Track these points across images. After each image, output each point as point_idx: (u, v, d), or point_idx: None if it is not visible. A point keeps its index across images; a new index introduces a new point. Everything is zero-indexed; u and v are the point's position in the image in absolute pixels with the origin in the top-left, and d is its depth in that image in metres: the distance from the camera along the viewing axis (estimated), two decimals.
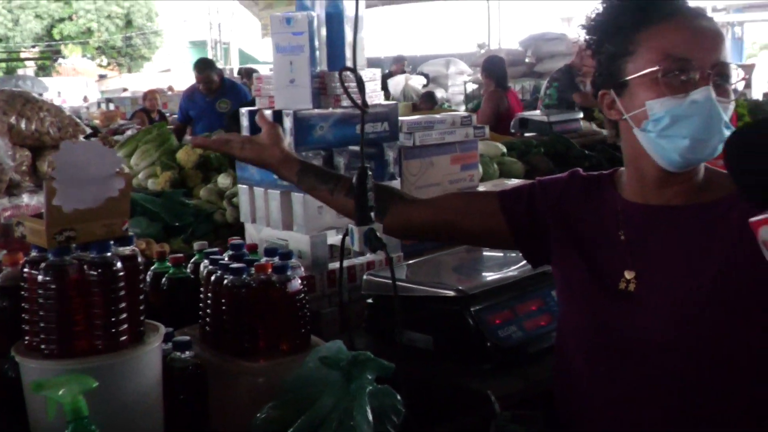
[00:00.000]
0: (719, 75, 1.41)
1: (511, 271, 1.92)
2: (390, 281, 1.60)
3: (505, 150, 4.62)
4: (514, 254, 2.05)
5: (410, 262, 2.27)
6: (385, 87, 14.21)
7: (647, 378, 1.45)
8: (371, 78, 2.30)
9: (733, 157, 1.15)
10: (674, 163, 1.42)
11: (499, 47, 15.33)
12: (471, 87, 13.18)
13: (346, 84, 1.74)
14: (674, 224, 1.47)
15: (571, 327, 1.58)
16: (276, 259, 1.60)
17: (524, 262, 1.80)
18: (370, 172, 1.61)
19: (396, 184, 2.37)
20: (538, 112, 6.52)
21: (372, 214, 1.60)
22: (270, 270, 1.55)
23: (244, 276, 1.54)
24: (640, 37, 1.45)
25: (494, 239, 1.74)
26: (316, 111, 2.18)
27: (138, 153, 4.03)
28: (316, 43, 2.19)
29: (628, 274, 1.49)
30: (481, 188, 2.84)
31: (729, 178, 1.43)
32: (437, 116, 2.62)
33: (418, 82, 12.89)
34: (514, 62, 10.45)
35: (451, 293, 1.79)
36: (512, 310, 1.81)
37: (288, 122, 2.14)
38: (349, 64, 2.10)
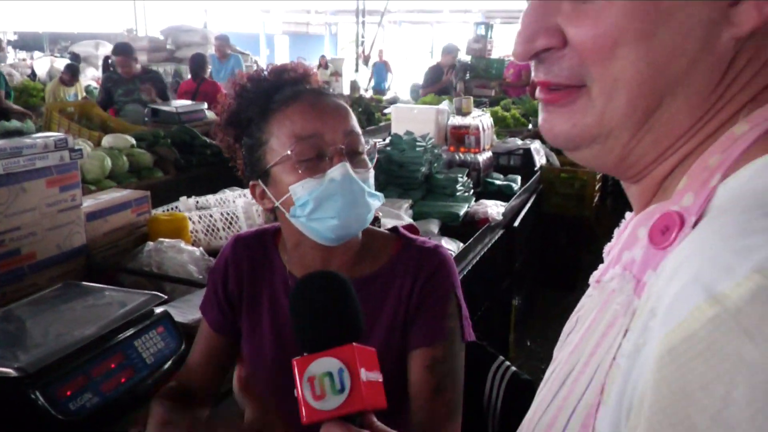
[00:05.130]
0: (351, 148, 1.32)
1: (86, 328, 1.53)
2: None
3: (134, 142, 4.35)
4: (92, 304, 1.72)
5: None
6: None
7: None
8: None
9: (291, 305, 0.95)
10: (330, 240, 1.33)
11: (145, 34, 14.64)
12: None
13: None
14: None
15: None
16: None
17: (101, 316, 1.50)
18: None
19: None
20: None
21: None
22: None
23: None
24: (270, 125, 1.33)
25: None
26: None
27: None
28: None
29: None
30: (88, 202, 2.43)
31: (387, 241, 1.43)
32: (26, 140, 2.15)
33: (64, 64, 11.61)
34: (157, 48, 10.11)
35: (10, 372, 1.35)
36: (86, 374, 1.43)
37: None
38: None
